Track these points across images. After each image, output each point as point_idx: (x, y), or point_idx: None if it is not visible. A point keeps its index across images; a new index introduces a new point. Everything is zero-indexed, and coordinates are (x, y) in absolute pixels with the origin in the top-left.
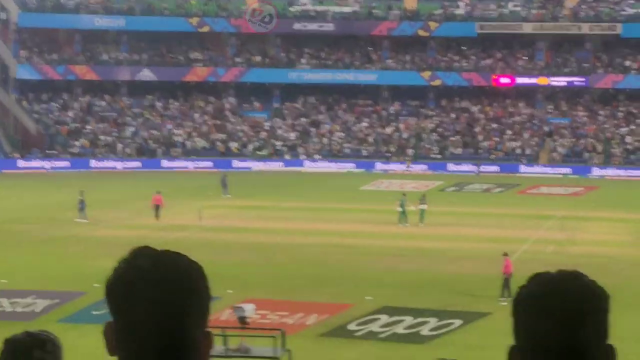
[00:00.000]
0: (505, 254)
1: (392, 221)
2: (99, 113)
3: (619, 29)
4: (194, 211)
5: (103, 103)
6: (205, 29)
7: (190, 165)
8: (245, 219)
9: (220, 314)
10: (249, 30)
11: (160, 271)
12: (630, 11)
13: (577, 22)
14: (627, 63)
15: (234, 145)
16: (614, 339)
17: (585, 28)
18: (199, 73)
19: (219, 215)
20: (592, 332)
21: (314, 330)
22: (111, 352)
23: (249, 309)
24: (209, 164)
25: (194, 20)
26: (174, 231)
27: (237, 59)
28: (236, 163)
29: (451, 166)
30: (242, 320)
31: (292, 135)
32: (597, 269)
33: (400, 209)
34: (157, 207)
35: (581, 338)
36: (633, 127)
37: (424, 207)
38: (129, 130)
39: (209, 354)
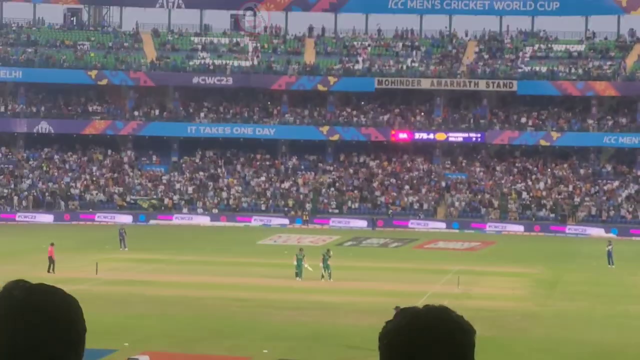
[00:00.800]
0: (397, 307)
1: (289, 275)
2: None
3: (514, 86)
4: (91, 264)
5: None
6: (104, 81)
7: (88, 218)
8: (142, 272)
9: None
10: (147, 84)
11: (33, 301)
12: (526, 68)
13: (474, 78)
14: (523, 119)
15: (131, 198)
16: None
17: (482, 85)
18: (97, 126)
19: (116, 268)
20: None
21: None
22: None
23: None
24: (107, 217)
25: (93, 73)
26: (69, 284)
27: (136, 113)
28: (134, 216)
29: (349, 221)
30: None
31: (190, 189)
32: (492, 322)
33: (295, 263)
34: (51, 260)
35: None
36: (529, 182)
37: (329, 263)
38: (25, 183)
39: None
